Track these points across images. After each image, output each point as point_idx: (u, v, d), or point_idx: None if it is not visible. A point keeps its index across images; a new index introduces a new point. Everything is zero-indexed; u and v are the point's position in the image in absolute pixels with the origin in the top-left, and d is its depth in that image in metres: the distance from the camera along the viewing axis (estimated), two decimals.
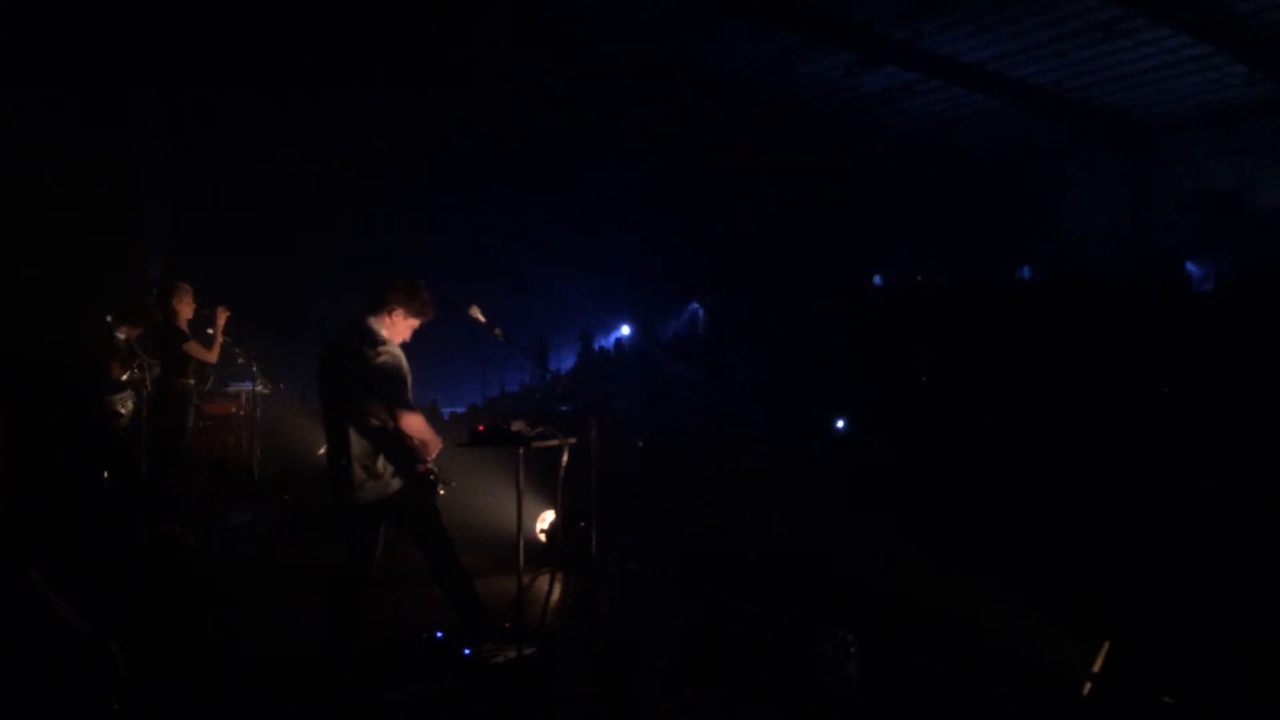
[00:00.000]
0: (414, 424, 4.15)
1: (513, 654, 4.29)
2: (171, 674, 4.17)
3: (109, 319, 7.29)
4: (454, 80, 13.05)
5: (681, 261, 18.88)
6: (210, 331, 7.55)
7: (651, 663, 4.54)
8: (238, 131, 12.11)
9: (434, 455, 4.28)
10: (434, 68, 12.66)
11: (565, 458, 4.53)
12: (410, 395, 4.18)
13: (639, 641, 4.79)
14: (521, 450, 4.39)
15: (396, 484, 4.15)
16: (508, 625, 4.59)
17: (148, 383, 7.32)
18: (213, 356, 7.43)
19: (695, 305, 21.25)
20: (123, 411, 7.67)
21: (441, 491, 4.29)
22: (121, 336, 7.54)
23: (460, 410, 15.26)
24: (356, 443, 4.09)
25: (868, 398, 11.43)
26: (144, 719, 3.73)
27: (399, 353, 4.21)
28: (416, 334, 4.50)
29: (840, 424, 12.09)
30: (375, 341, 4.15)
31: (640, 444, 10.19)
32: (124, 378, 7.58)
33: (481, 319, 4.55)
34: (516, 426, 4.42)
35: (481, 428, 4.59)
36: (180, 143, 11.88)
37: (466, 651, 4.42)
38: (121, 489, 7.40)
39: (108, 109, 10.40)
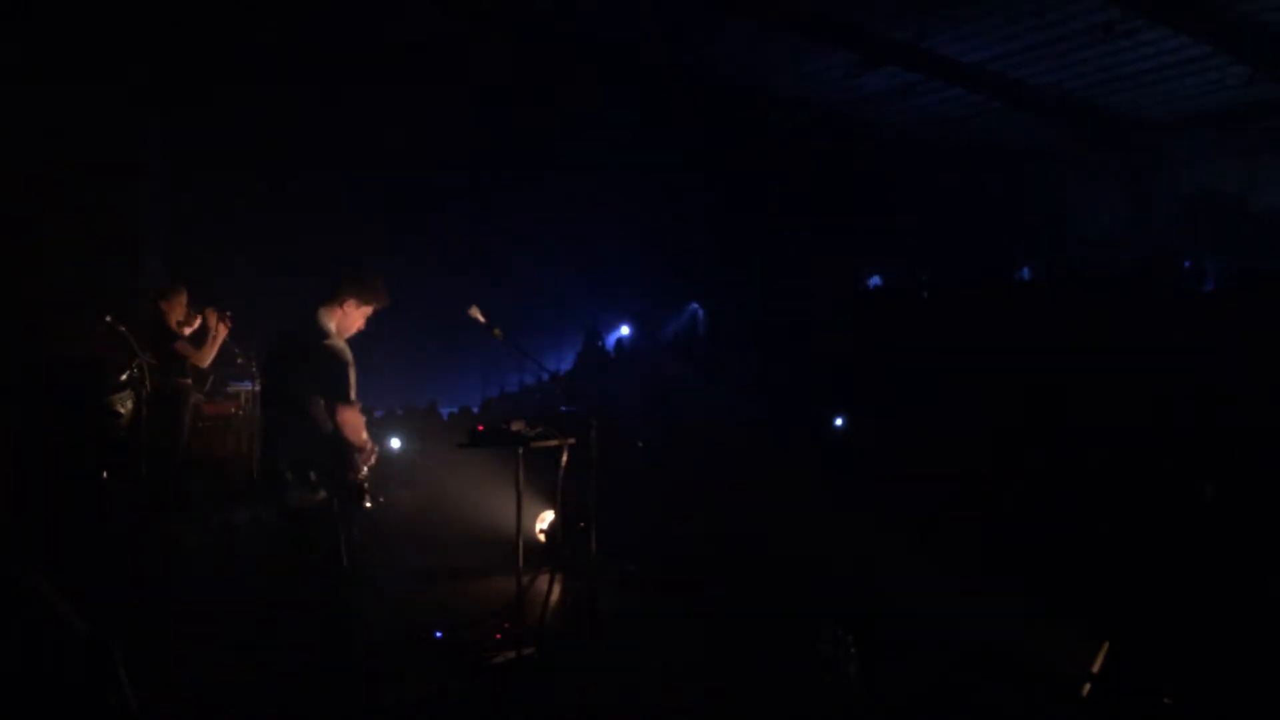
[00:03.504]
0: (352, 422, 4.03)
1: (512, 654, 4.29)
2: (172, 675, 4.17)
3: (108, 319, 7.29)
4: (456, 81, 13.06)
5: (682, 261, 18.89)
6: (209, 332, 7.56)
7: (652, 662, 4.54)
8: (240, 131, 12.12)
9: (368, 464, 4.16)
10: (437, 69, 12.67)
11: (565, 458, 4.53)
12: (353, 392, 4.07)
13: (639, 641, 4.79)
14: (521, 450, 4.39)
15: (323, 493, 4.02)
16: (507, 625, 4.59)
17: (147, 383, 7.33)
18: (205, 358, 7.39)
19: (695, 305, 21.26)
20: (122, 411, 7.66)
21: (368, 504, 4.15)
22: (122, 329, 7.54)
23: (458, 411, 15.27)
24: (293, 443, 4.00)
25: (869, 397, 11.42)
26: None
27: (346, 348, 4.13)
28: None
29: (839, 422, 12.10)
30: (323, 334, 4.08)
31: (640, 444, 10.19)
32: (123, 377, 7.58)
33: (481, 319, 4.55)
34: (516, 426, 4.43)
35: (481, 428, 4.60)
36: (182, 143, 11.89)
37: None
38: (121, 489, 7.40)
39: (109, 108, 10.40)
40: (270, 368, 4.20)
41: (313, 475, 3.99)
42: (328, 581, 4.12)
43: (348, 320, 4.25)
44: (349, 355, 4.10)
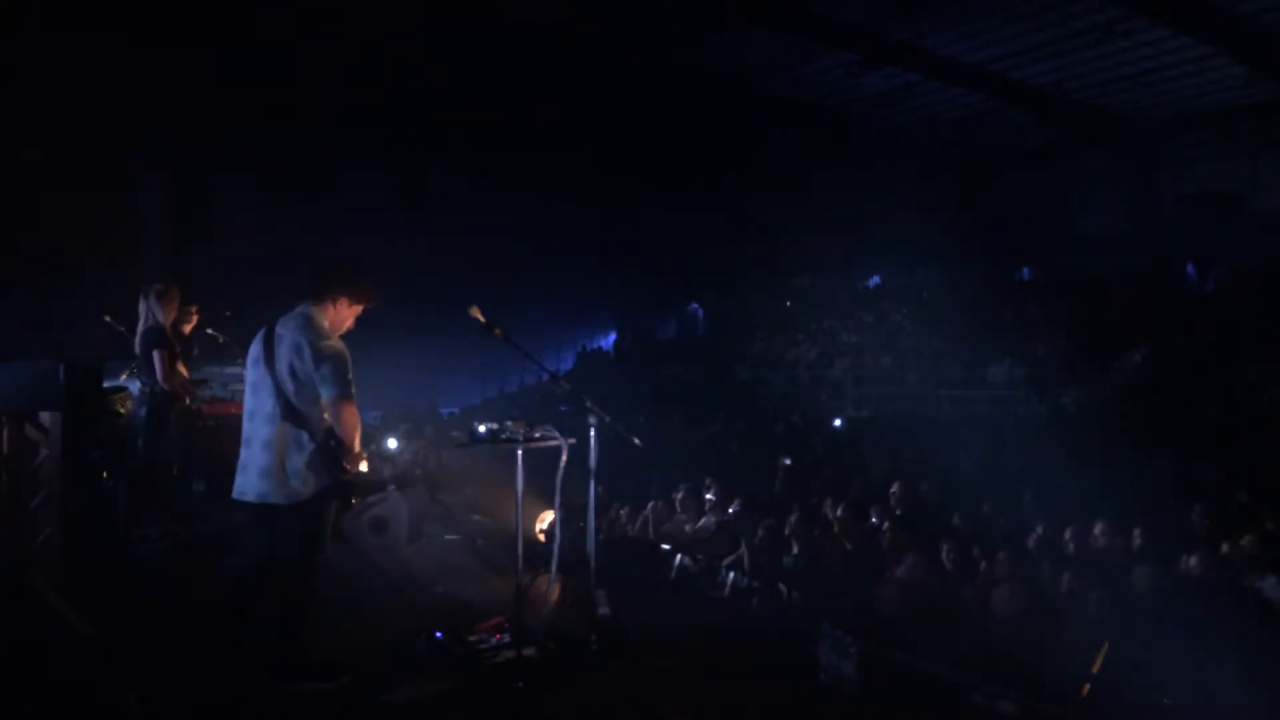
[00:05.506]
0: (352, 421, 3.96)
1: (512, 654, 4.29)
2: (172, 674, 4.16)
3: (108, 319, 7.27)
4: (459, 84, 13.09)
5: (681, 262, 18.92)
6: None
7: (651, 663, 4.54)
8: (241, 133, 12.13)
9: (355, 464, 4.08)
10: (440, 72, 12.70)
11: (565, 458, 4.51)
12: (353, 390, 3.99)
13: (639, 641, 4.79)
14: (520, 451, 4.39)
15: (311, 489, 3.95)
16: (507, 625, 4.59)
17: (142, 382, 7.30)
18: (171, 379, 6.79)
19: (695, 305, 21.28)
20: (122, 411, 7.64)
21: (354, 500, 4.12)
22: (122, 329, 7.51)
23: (459, 411, 15.27)
24: (284, 439, 3.92)
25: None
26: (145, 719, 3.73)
27: (344, 346, 4.06)
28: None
29: (838, 422, 12.12)
30: (321, 333, 4.01)
31: (640, 444, 10.17)
32: (123, 377, 7.57)
33: (482, 319, 4.52)
34: (516, 427, 4.42)
35: (481, 428, 4.59)
36: (183, 145, 11.92)
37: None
38: (121, 489, 7.39)
39: (111, 113, 10.41)
40: (259, 366, 4.02)
41: (303, 467, 3.92)
42: (300, 577, 4.06)
43: (340, 318, 4.17)
44: (347, 353, 4.03)
